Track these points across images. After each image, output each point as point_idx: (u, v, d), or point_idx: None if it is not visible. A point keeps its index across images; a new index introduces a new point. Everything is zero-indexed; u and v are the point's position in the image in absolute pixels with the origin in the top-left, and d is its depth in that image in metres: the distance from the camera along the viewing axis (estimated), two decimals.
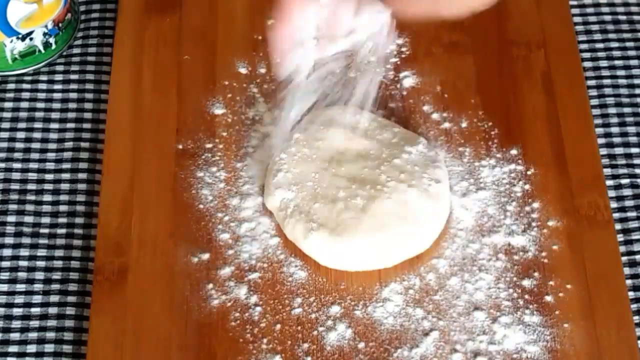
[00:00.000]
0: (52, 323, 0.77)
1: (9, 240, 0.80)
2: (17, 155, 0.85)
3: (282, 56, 0.75)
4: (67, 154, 0.85)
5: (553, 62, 0.87)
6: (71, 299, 0.78)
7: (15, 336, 0.76)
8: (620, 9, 0.93)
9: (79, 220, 0.81)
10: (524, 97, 0.86)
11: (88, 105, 0.87)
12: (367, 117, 0.81)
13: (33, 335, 0.76)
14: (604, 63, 0.89)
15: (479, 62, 0.87)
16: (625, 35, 0.91)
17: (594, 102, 0.87)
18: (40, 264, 0.79)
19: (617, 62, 0.89)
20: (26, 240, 0.80)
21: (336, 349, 0.74)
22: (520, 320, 0.75)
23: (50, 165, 0.84)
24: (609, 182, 0.83)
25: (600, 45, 0.90)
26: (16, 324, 0.77)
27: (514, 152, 0.83)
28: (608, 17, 0.92)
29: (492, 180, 0.81)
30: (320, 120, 0.82)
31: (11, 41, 0.86)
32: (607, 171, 0.84)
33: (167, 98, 0.85)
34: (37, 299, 0.78)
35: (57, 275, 0.79)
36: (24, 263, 0.79)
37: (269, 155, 0.82)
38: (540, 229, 0.79)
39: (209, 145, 0.83)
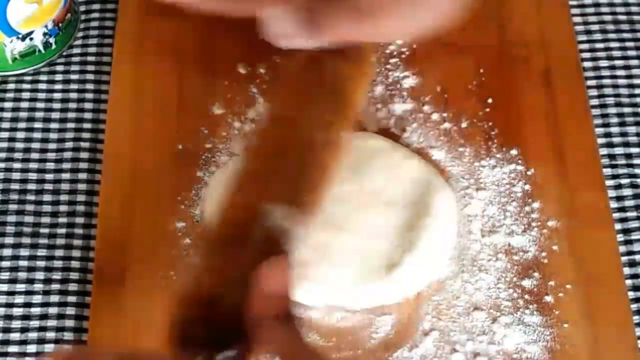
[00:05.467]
0: (52, 323, 0.77)
1: (9, 240, 0.80)
2: (17, 155, 0.84)
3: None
4: (67, 154, 0.85)
5: (553, 62, 0.87)
6: (71, 299, 0.78)
7: (15, 336, 0.76)
8: (620, 9, 0.92)
9: (79, 220, 0.81)
10: (524, 97, 0.86)
11: (88, 105, 0.87)
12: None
13: (33, 335, 0.76)
14: (604, 63, 0.89)
15: (479, 62, 0.87)
16: (625, 35, 0.91)
17: (594, 102, 0.87)
18: (40, 263, 0.79)
19: (617, 62, 0.89)
20: (26, 240, 0.80)
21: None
22: (520, 320, 0.75)
23: (50, 165, 0.84)
24: (609, 182, 0.83)
25: (600, 45, 0.90)
26: (16, 324, 0.77)
27: (514, 152, 0.83)
28: (608, 17, 0.92)
29: (492, 180, 0.81)
30: None
31: (11, 41, 0.86)
32: (607, 171, 0.83)
33: (167, 98, 0.85)
34: (37, 298, 0.78)
35: (57, 275, 0.79)
36: (24, 263, 0.79)
37: None
38: (540, 229, 0.79)
39: (208, 146, 0.83)
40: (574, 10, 0.92)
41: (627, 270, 0.79)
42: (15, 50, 0.87)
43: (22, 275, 0.79)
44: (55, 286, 0.78)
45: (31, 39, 0.87)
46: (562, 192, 0.81)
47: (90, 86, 0.88)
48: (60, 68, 0.89)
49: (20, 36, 0.86)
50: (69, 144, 0.85)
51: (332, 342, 0.74)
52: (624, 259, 0.79)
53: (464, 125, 0.84)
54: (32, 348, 0.76)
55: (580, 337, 0.75)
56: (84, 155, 0.85)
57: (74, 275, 0.79)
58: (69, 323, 0.77)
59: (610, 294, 0.76)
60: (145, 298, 0.76)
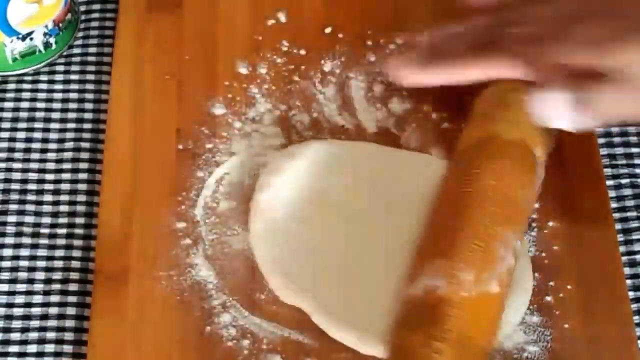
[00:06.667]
0: (52, 323, 0.77)
1: (9, 240, 0.80)
2: (17, 155, 0.85)
3: None
4: (68, 154, 0.85)
5: None
6: (72, 299, 0.78)
7: (15, 336, 0.76)
8: None
9: (79, 220, 0.81)
10: None
11: (88, 105, 0.87)
12: None
13: (33, 335, 0.76)
14: None
15: None
16: None
17: None
18: (41, 263, 0.79)
19: None
20: (26, 240, 0.80)
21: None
22: (520, 320, 0.75)
23: (50, 165, 0.84)
24: (609, 182, 0.83)
25: None
26: (16, 324, 0.77)
27: None
28: None
29: None
30: None
31: (11, 41, 0.86)
32: (607, 171, 0.84)
33: (167, 98, 0.85)
34: (37, 299, 0.78)
35: (57, 275, 0.79)
36: (24, 263, 0.79)
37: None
38: (540, 229, 0.79)
39: (209, 146, 0.83)
40: None
41: (627, 270, 0.79)
42: (15, 50, 0.87)
43: (23, 275, 0.79)
44: (56, 286, 0.78)
45: (31, 39, 0.87)
46: (562, 192, 0.81)
47: (90, 86, 0.89)
48: (60, 68, 0.89)
49: (20, 36, 0.86)
50: (69, 144, 0.85)
51: (331, 343, 0.74)
52: (624, 259, 0.79)
53: (464, 125, 0.84)
54: (32, 348, 0.76)
55: (580, 337, 0.75)
56: (84, 155, 0.85)
57: (74, 275, 0.79)
58: (69, 323, 0.77)
59: (610, 294, 0.76)
60: (145, 298, 0.76)
